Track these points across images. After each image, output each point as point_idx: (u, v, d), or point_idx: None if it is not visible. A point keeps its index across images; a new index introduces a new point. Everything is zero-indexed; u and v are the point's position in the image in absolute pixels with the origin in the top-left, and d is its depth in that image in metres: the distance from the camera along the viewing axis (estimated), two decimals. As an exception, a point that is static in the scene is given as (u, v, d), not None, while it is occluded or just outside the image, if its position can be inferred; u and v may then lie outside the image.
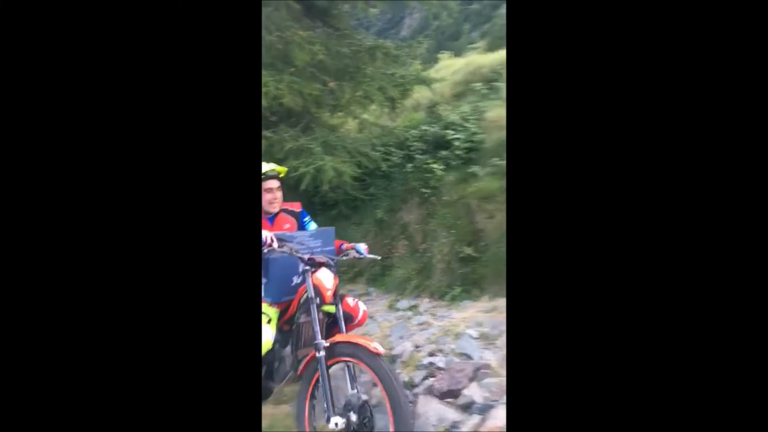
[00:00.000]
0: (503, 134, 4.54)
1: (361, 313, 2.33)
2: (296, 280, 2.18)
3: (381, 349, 1.80)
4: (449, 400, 2.19)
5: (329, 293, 1.98)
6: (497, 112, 4.87)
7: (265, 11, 4.12)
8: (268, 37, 4.09)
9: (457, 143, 4.61)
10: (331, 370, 1.88)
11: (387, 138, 5.17)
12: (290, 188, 4.52)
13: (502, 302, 3.23)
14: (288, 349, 2.24)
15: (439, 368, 2.49)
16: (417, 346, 2.83)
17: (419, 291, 3.90)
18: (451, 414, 2.08)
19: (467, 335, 2.82)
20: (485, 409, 2.04)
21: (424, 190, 4.41)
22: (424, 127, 5.11)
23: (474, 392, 2.18)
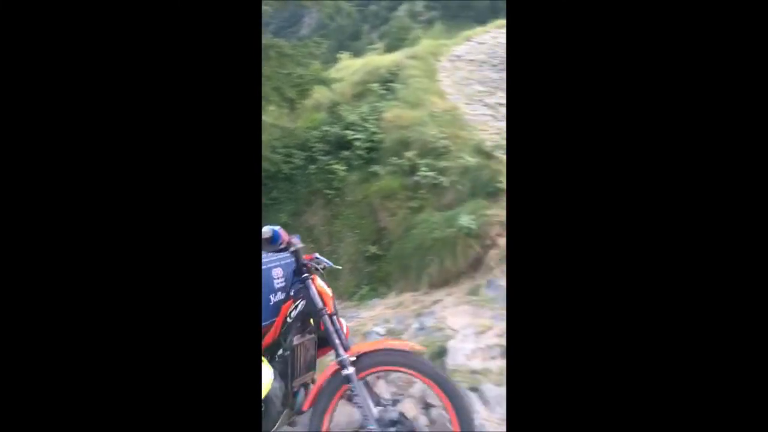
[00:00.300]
0: (401, 133, 4.69)
1: (345, 327, 1.93)
2: (275, 298, 1.82)
3: (421, 347, 1.61)
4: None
5: (332, 302, 1.71)
6: (394, 112, 5.02)
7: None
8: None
9: (357, 143, 4.66)
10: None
11: (288, 139, 5.05)
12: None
13: (407, 297, 3.33)
14: (276, 383, 1.72)
15: (348, 370, 2.48)
16: (325, 351, 2.80)
17: (328, 293, 3.87)
18: (359, 415, 2.09)
19: (375, 333, 2.85)
20: (393, 404, 2.09)
21: (327, 192, 4.38)
22: (325, 128, 5.07)
23: (380, 389, 2.21)
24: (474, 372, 2.12)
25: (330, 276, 3.95)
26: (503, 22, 11.65)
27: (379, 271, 3.73)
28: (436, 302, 3.06)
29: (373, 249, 3.83)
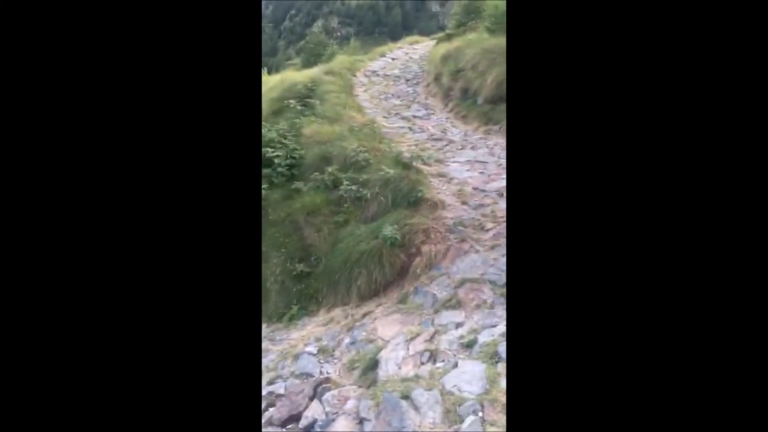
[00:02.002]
0: (322, 149, 4.69)
1: None
2: None
3: None
4: (290, 426, 2.13)
5: None
6: (314, 127, 5.01)
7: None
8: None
9: (278, 161, 4.57)
10: None
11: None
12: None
13: (337, 312, 3.31)
14: None
15: (279, 395, 2.40)
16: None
17: (265, 319, 3.71)
18: None
19: (306, 353, 2.79)
20: (327, 425, 2.05)
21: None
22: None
23: (315, 411, 2.17)
24: (405, 380, 2.15)
25: (264, 298, 3.80)
26: (415, 38, 12.20)
27: (308, 289, 3.66)
28: (366, 314, 3.08)
29: (300, 267, 3.76)
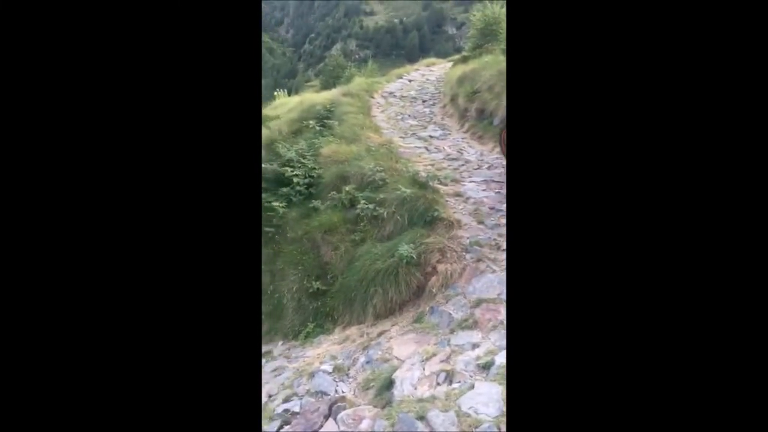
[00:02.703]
0: (339, 168, 4.77)
1: None
2: None
3: None
4: (305, 444, 2.13)
5: None
6: (332, 147, 5.11)
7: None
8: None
9: (296, 180, 4.66)
10: None
11: (223, 179, 4.94)
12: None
13: (353, 330, 3.31)
14: None
15: (295, 413, 2.40)
16: (270, 395, 2.69)
17: (272, 335, 3.74)
18: None
19: (321, 372, 2.80)
20: (342, 444, 2.04)
21: (267, 229, 4.31)
22: (263, 165, 5.03)
23: (330, 430, 2.16)
24: (421, 400, 2.14)
25: (273, 317, 3.85)
26: (432, 60, 12.42)
27: (324, 307, 3.68)
28: (381, 333, 3.07)
29: (317, 284, 3.78)
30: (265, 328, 3.79)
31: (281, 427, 2.33)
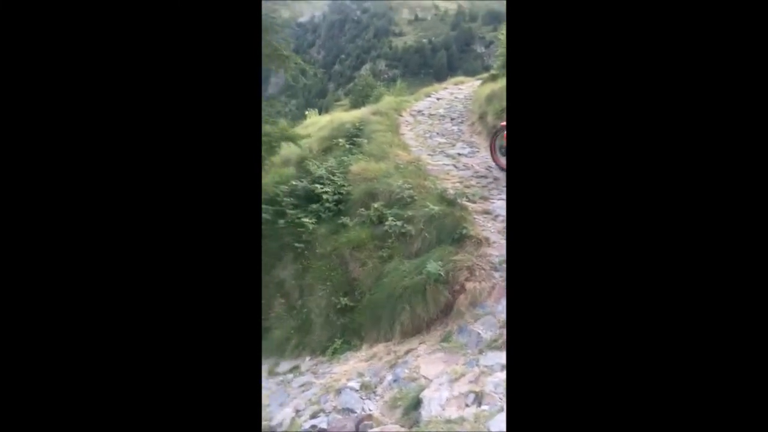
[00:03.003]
0: (368, 185, 4.83)
1: None
2: None
3: None
4: (332, 462, 2.12)
5: None
6: (361, 165, 5.19)
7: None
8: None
9: (326, 196, 4.75)
10: None
11: (256, 195, 5.08)
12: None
13: (380, 348, 3.30)
14: None
15: (322, 430, 2.40)
16: (297, 411, 2.70)
17: (300, 350, 3.77)
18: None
19: (348, 389, 2.79)
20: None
21: (297, 245, 4.39)
22: (293, 182, 5.16)
23: (356, 447, 2.15)
24: (449, 421, 2.10)
25: (301, 332, 3.88)
26: (460, 79, 12.49)
27: (351, 323, 3.69)
28: (409, 351, 3.05)
29: (344, 300, 3.81)
30: (293, 342, 3.83)
31: (308, 442, 2.33)
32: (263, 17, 4.77)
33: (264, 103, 5.71)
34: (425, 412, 2.28)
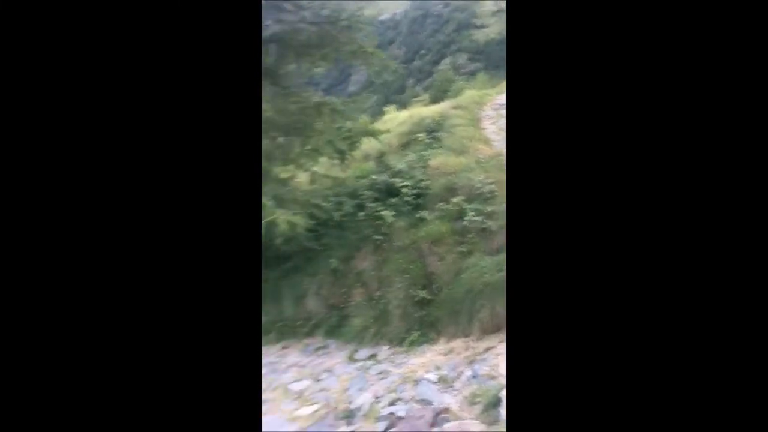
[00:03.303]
0: (448, 180, 4.78)
1: None
2: None
3: None
4: (410, 449, 2.15)
5: None
6: (440, 159, 5.15)
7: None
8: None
9: (405, 190, 4.79)
10: None
11: (338, 189, 5.28)
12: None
13: (458, 343, 3.27)
14: None
15: (400, 417, 2.45)
16: (377, 397, 2.78)
17: (378, 339, 3.86)
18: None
19: (426, 380, 2.81)
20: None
21: (376, 237, 4.49)
22: (373, 177, 5.27)
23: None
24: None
25: (379, 321, 3.97)
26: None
27: (428, 316, 3.70)
28: (488, 349, 2.98)
29: (422, 293, 3.82)
30: (371, 331, 3.93)
31: (387, 428, 2.39)
32: (348, 16, 4.92)
33: (346, 100, 5.91)
34: (505, 411, 2.22)
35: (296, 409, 2.86)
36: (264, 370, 3.63)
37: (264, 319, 4.56)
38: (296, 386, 3.21)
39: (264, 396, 3.13)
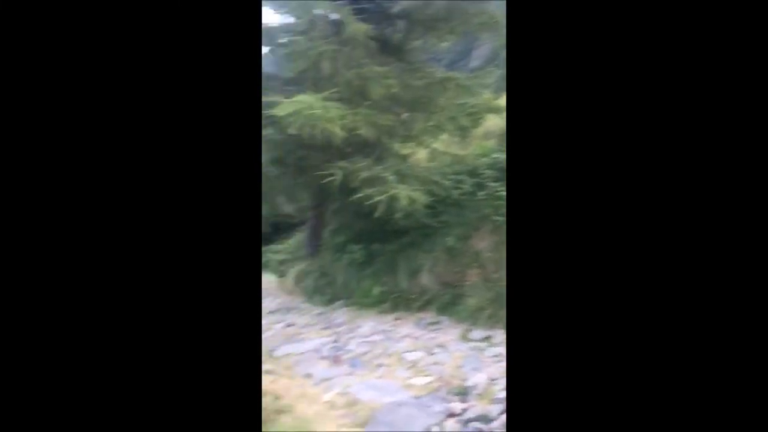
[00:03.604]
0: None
1: None
2: None
3: None
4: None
5: None
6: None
7: (344, 50, 4.42)
8: (346, 74, 4.38)
9: None
10: None
11: (458, 166, 5.20)
12: (364, 216, 4.67)
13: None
14: None
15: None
16: (492, 379, 2.73)
17: (493, 322, 3.78)
18: None
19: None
20: None
21: (496, 218, 4.34)
22: (495, 155, 5.07)
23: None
24: None
25: (495, 304, 3.86)
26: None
27: (550, 305, 3.49)
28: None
29: (544, 281, 3.61)
30: (487, 312, 3.86)
31: (503, 412, 2.34)
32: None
33: (470, 76, 5.71)
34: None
35: (410, 378, 2.95)
36: (379, 337, 3.82)
37: (380, 289, 4.78)
38: (410, 356, 3.31)
39: (379, 360, 3.30)
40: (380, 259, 5.00)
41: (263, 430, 1.77)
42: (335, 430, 2.22)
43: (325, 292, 5.41)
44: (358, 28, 4.36)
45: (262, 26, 5.27)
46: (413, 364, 3.16)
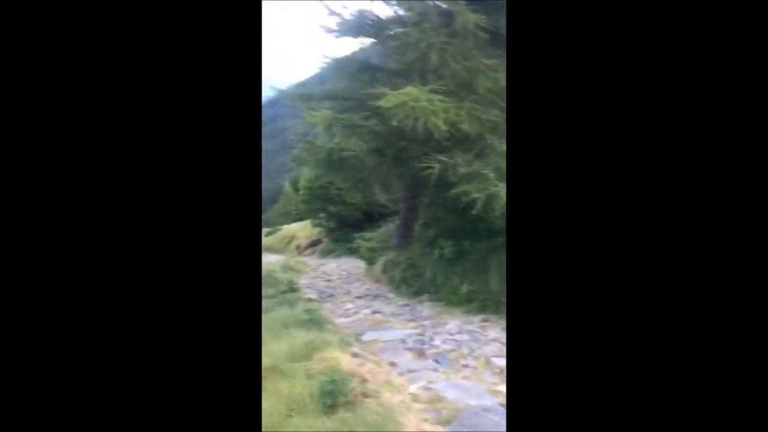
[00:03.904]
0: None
1: None
2: None
3: None
4: None
5: None
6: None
7: (453, 42, 4.33)
8: (453, 66, 4.29)
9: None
10: None
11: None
12: (458, 212, 4.58)
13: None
14: None
15: None
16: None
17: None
18: None
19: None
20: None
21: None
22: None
23: None
24: None
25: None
26: None
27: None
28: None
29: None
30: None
31: None
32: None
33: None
34: None
35: (497, 384, 2.85)
36: (466, 337, 3.74)
37: (468, 287, 4.67)
38: (498, 361, 3.19)
39: (465, 361, 3.23)
40: (470, 257, 4.88)
41: (342, 410, 1.80)
42: (416, 426, 2.22)
43: (411, 284, 5.44)
44: (469, 18, 4.24)
45: (372, 18, 5.37)
46: (501, 370, 3.04)
